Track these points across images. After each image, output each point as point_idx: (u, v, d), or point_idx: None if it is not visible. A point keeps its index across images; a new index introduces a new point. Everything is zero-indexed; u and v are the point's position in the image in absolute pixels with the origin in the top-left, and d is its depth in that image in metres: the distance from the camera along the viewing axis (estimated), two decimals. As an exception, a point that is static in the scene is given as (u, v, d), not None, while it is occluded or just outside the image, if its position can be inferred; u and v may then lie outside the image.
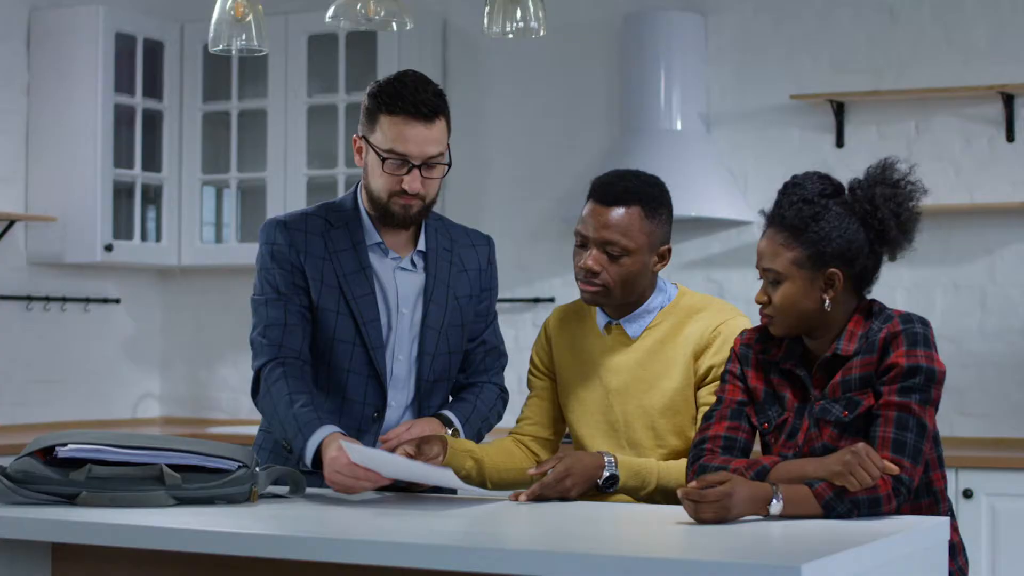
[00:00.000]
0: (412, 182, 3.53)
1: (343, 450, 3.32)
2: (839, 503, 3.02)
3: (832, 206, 3.23)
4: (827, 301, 3.23)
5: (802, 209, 3.23)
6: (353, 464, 3.31)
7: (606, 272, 3.57)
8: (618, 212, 3.55)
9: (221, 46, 3.89)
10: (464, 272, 3.74)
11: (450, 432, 3.64)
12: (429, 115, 3.51)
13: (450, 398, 3.80)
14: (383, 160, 3.52)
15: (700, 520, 2.96)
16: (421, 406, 3.69)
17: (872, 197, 3.23)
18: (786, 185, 3.30)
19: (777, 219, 3.27)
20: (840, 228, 3.21)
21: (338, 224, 3.65)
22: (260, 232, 3.69)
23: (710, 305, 3.68)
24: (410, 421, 3.63)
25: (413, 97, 3.51)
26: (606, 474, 3.48)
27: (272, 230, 3.66)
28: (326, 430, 3.42)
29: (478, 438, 3.74)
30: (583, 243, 3.60)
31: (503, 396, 3.84)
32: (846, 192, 3.28)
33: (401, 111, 3.50)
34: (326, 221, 3.66)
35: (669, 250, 3.64)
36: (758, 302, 3.31)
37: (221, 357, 7.15)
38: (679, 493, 3.00)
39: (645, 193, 3.58)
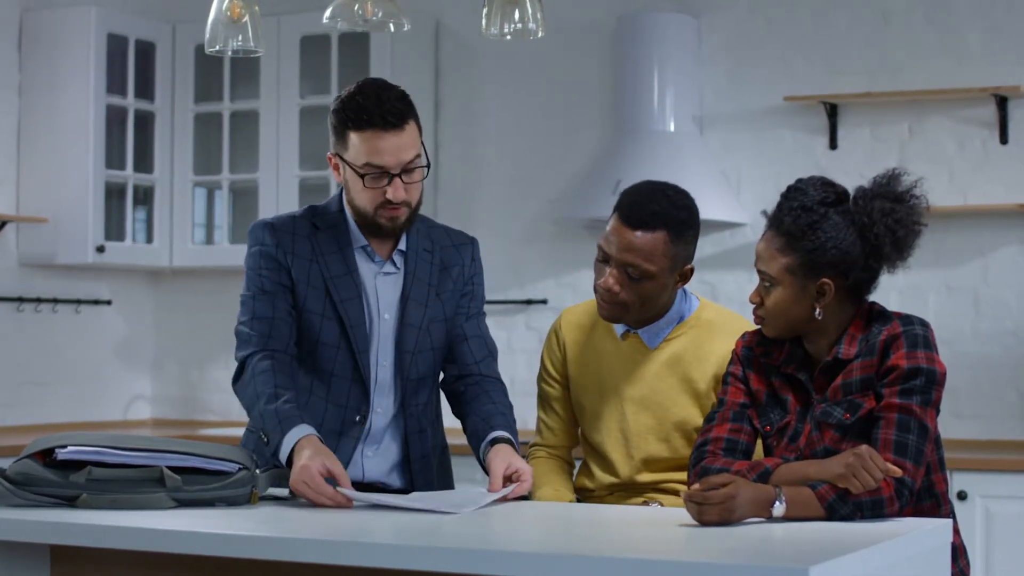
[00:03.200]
0: (395, 191, 3.50)
1: (314, 459, 3.30)
2: (842, 505, 3.02)
3: (832, 215, 3.21)
4: (818, 310, 3.22)
5: (800, 216, 3.21)
6: (322, 481, 3.28)
7: (625, 292, 3.54)
8: (643, 236, 3.50)
9: (217, 47, 3.88)
10: (446, 271, 3.71)
11: None
12: (397, 123, 3.48)
13: (440, 394, 3.77)
14: (362, 176, 3.50)
15: (703, 522, 2.95)
16: (407, 406, 3.66)
17: (871, 211, 3.20)
18: (789, 189, 3.28)
19: (776, 223, 3.26)
20: (836, 239, 3.19)
21: (324, 227, 3.64)
22: (248, 234, 3.68)
23: (732, 323, 3.65)
24: (498, 463, 3.48)
25: (377, 108, 3.47)
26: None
27: (260, 232, 3.65)
28: (303, 430, 3.39)
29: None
30: (605, 258, 3.57)
31: (506, 390, 3.76)
32: (850, 200, 3.26)
33: (368, 125, 3.47)
34: (312, 224, 3.65)
35: (691, 269, 3.60)
36: (752, 302, 3.31)
37: (212, 359, 7.14)
38: (682, 495, 2.99)
39: (673, 217, 3.52)
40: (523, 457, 3.56)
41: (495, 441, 3.55)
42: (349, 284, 3.61)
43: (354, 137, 3.50)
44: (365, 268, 3.64)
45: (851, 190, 3.28)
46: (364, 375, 3.60)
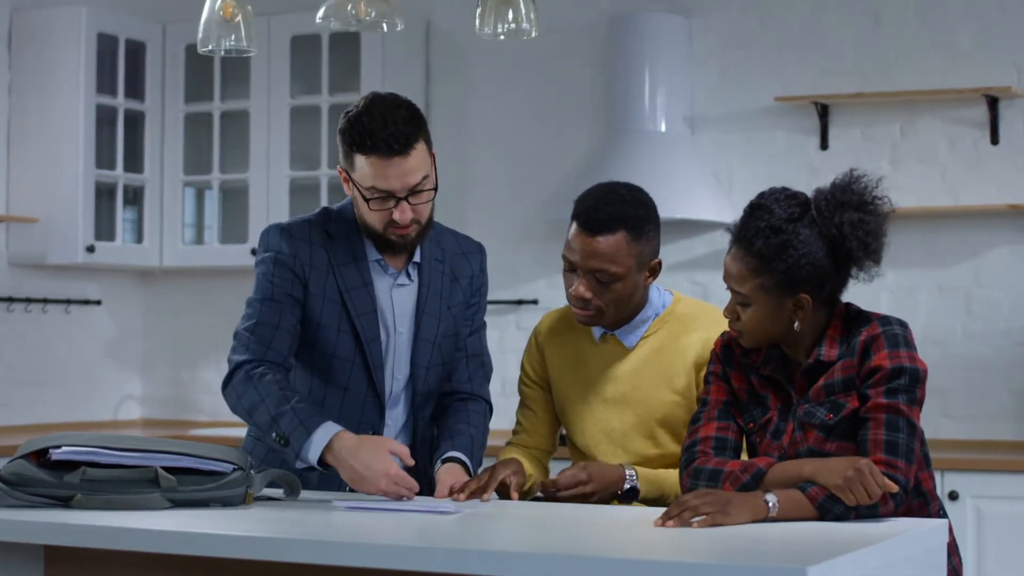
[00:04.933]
0: (402, 214, 3.46)
1: (379, 453, 3.32)
2: (834, 504, 3.01)
3: (800, 230, 3.15)
4: (796, 323, 3.20)
5: (770, 237, 3.15)
6: (408, 476, 3.31)
7: (597, 297, 3.54)
8: (604, 240, 3.50)
9: (210, 47, 3.86)
10: (456, 281, 3.69)
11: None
12: (403, 148, 3.42)
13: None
14: (368, 200, 3.47)
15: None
16: (416, 420, 3.65)
17: (841, 224, 3.15)
18: (752, 207, 3.22)
19: (744, 243, 3.20)
20: (809, 255, 3.15)
21: (338, 236, 3.59)
22: (261, 237, 3.61)
23: (707, 314, 3.65)
24: (446, 477, 3.53)
25: (383, 132, 3.40)
26: (627, 486, 3.49)
27: (276, 237, 3.58)
28: (330, 428, 3.36)
29: (478, 464, 3.67)
30: (572, 268, 3.57)
31: (490, 413, 3.78)
32: (812, 208, 3.20)
33: (373, 151, 3.41)
34: (326, 232, 3.59)
35: (659, 263, 3.61)
36: (726, 316, 3.29)
37: (203, 359, 7.12)
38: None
39: (629, 216, 3.52)
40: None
41: (449, 460, 3.56)
42: (365, 297, 3.56)
43: (360, 160, 3.44)
44: (380, 281, 3.60)
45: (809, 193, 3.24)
46: (379, 391, 3.58)
